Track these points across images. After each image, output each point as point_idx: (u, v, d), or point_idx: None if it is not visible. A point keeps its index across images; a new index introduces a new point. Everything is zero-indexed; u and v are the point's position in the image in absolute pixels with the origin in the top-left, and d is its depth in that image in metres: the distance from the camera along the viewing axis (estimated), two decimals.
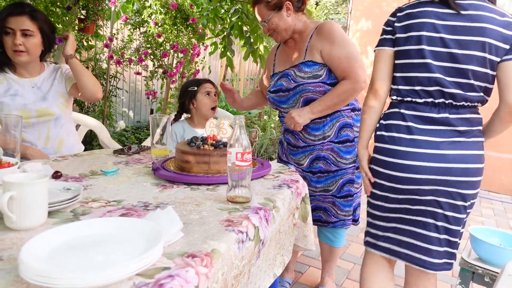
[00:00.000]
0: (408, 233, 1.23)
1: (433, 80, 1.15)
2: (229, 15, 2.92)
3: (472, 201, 1.19)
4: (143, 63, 3.06)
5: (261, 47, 2.90)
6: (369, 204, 1.33)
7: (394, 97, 1.24)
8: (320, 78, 1.55)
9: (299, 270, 2.13)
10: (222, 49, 3.05)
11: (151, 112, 4.23)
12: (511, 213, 3.46)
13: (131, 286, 0.59)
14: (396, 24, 1.22)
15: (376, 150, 1.26)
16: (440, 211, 1.17)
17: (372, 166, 1.28)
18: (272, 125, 4.96)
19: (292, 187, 1.23)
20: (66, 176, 1.18)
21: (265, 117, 5.43)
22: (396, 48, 1.22)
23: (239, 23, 2.85)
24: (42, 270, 0.57)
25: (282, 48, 1.78)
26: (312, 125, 1.61)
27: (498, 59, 1.12)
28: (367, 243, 1.36)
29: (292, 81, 1.60)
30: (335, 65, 1.53)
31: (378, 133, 1.26)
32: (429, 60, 1.15)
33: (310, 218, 1.38)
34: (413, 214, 1.21)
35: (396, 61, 1.23)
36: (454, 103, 1.15)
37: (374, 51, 1.31)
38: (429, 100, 1.16)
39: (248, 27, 2.89)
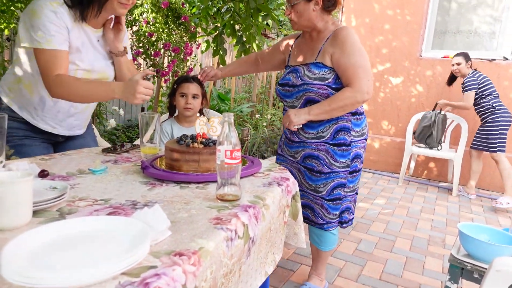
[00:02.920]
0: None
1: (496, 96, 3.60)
2: (221, 14, 2.90)
3: None
4: (135, 62, 3.04)
5: (254, 46, 2.89)
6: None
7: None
8: (326, 81, 1.56)
9: (290, 268, 2.13)
10: (214, 48, 3.03)
11: (142, 110, 4.20)
12: (500, 210, 3.50)
13: (116, 285, 0.58)
14: (477, 84, 3.57)
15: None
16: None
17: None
18: (264, 124, 4.96)
19: (283, 185, 1.23)
20: (53, 175, 1.16)
21: (257, 115, 5.43)
22: (478, 90, 3.60)
23: (231, 21, 2.84)
24: (25, 270, 0.56)
25: (299, 41, 1.77)
26: (307, 123, 1.63)
27: None
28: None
29: (299, 79, 1.62)
30: (341, 71, 1.55)
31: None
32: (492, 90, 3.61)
33: (300, 216, 1.39)
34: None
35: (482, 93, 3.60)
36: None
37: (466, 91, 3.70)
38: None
39: (241, 26, 2.88)
